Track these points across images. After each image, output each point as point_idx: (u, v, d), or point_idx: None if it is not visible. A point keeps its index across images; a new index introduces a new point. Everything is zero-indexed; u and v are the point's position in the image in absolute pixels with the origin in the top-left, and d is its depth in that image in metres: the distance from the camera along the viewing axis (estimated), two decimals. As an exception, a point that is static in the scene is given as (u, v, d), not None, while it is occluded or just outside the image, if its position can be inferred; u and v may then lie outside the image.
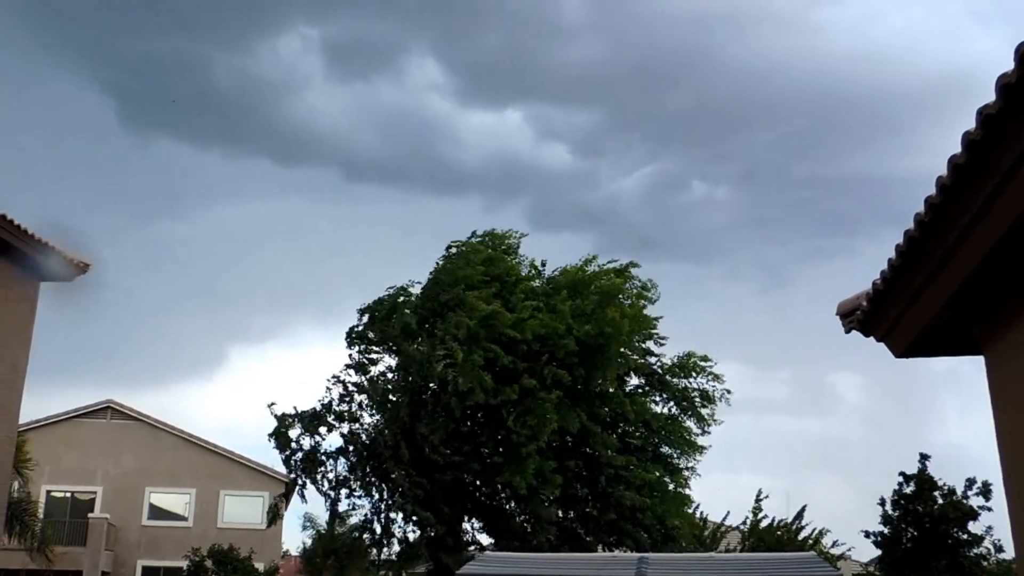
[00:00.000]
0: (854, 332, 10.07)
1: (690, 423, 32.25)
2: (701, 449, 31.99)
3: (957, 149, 6.77)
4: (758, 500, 33.95)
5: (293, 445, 29.90)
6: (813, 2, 67.41)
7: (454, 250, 30.98)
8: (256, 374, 76.20)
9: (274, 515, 31.68)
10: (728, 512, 35.20)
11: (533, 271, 32.39)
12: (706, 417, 32.08)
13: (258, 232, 73.14)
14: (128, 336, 70.27)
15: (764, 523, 33.46)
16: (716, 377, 32.11)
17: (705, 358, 32.21)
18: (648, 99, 70.30)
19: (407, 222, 67.89)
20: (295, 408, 30.08)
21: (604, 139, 72.60)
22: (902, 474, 25.89)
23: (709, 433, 32.22)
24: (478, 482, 29.77)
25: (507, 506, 29.91)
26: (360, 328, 30.40)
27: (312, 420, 29.75)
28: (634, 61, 65.96)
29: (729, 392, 32.13)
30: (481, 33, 66.72)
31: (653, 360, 32.43)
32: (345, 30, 67.78)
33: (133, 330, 69.17)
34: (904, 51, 67.28)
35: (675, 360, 32.32)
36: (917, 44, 68.77)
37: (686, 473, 31.86)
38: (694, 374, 32.15)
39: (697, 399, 32.12)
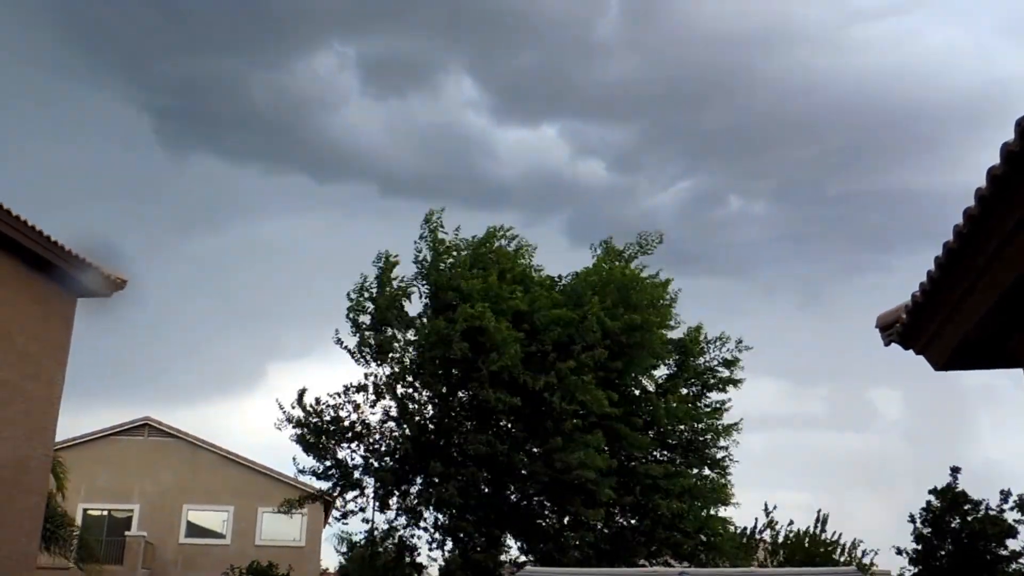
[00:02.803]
0: (893, 345, 10.00)
1: (715, 395, 32.05)
2: (735, 427, 31.52)
3: (991, 163, 6.72)
4: (768, 513, 33.59)
5: (327, 461, 29.52)
6: (848, 20, 67.38)
7: (428, 229, 30.55)
8: (294, 391, 76.31)
9: (289, 508, 30.93)
10: (761, 520, 34.70)
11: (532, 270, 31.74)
12: (735, 379, 31.81)
13: (295, 247, 73.45)
14: (165, 352, 70.65)
15: (783, 535, 33.04)
16: (724, 340, 31.85)
17: (700, 330, 31.91)
18: (684, 115, 70.38)
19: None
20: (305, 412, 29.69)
21: (640, 155, 72.70)
22: (932, 490, 25.80)
23: (739, 386, 32.00)
24: (514, 487, 29.42)
25: (545, 515, 29.59)
26: (365, 335, 29.79)
27: (330, 431, 29.31)
28: (669, 78, 66.03)
29: (741, 342, 31.76)
30: (516, 51, 66.97)
31: (672, 341, 32.02)
32: (380, 48, 68.25)
33: (170, 346, 69.56)
34: (939, 68, 67.20)
35: (685, 337, 31.94)
36: (952, 61, 68.66)
37: (726, 463, 31.43)
38: (707, 349, 31.83)
39: (721, 369, 31.85)
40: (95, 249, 21.52)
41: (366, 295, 29.68)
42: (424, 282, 29.92)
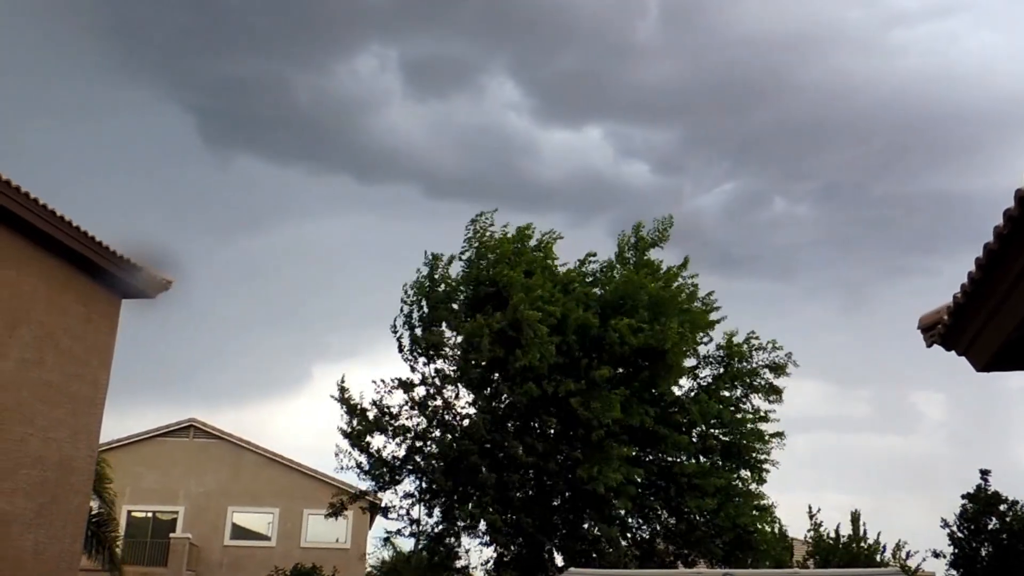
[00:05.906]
0: (936, 347, 9.93)
1: (757, 400, 31.32)
2: (780, 435, 31.06)
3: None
4: (811, 516, 33.48)
5: (368, 452, 29.17)
6: (888, 24, 67.26)
7: (473, 230, 30.29)
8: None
9: (336, 511, 30.66)
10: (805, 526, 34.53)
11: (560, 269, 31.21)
12: (777, 387, 31.17)
13: (340, 248, 73.83)
14: (211, 354, 71.21)
15: (824, 534, 32.96)
16: (774, 346, 31.19)
17: (751, 335, 31.37)
18: (727, 118, 70.34)
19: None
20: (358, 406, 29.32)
21: (684, 156, 72.85)
22: (965, 495, 25.80)
23: (781, 401, 31.30)
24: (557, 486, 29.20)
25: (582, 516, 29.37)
26: (416, 334, 29.51)
27: (372, 422, 28.98)
28: (711, 81, 66.10)
29: (791, 356, 30.98)
30: (557, 53, 67.12)
31: (708, 350, 31.63)
32: (422, 50, 68.51)
33: (216, 348, 70.10)
34: (979, 71, 67.07)
35: (723, 343, 31.50)
36: (992, 64, 68.54)
37: (766, 467, 31.00)
38: (752, 354, 31.26)
39: (767, 373, 31.23)
40: (140, 250, 21.63)
41: (418, 293, 29.50)
42: (468, 283, 29.68)
